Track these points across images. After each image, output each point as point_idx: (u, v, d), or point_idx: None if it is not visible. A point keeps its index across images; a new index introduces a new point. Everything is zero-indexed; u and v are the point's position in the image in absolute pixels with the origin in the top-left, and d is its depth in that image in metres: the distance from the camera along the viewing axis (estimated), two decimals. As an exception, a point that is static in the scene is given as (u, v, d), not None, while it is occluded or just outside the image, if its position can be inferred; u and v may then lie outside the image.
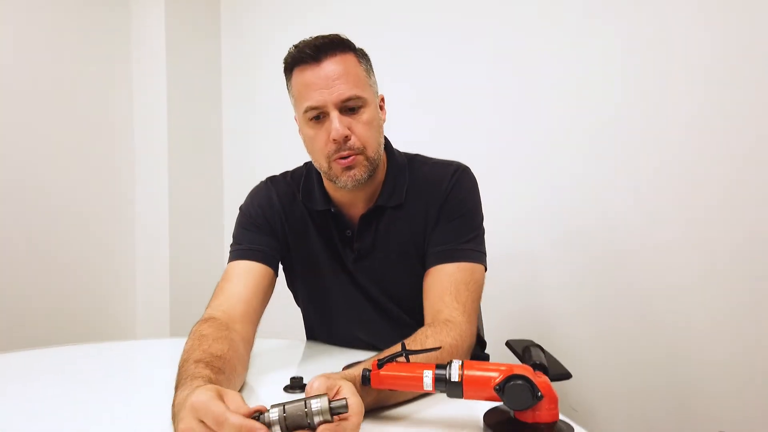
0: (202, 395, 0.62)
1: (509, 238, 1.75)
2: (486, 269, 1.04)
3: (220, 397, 0.62)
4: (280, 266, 1.14)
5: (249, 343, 0.99)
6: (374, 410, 0.77)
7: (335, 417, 0.61)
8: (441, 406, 0.82)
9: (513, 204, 1.77)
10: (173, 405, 0.69)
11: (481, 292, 1.02)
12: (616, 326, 1.60)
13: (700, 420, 1.46)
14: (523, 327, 1.74)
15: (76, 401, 0.88)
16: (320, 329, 1.25)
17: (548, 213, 1.72)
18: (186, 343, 0.87)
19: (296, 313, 1.30)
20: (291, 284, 1.24)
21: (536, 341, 1.04)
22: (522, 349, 0.98)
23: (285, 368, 1.04)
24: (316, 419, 0.60)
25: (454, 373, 0.71)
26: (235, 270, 1.06)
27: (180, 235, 2.34)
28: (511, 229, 1.75)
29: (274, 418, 0.60)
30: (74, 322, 2.15)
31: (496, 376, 0.71)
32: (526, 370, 0.72)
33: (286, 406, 0.61)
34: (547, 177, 1.72)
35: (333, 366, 1.00)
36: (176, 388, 0.74)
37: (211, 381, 0.72)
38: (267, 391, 0.92)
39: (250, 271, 1.05)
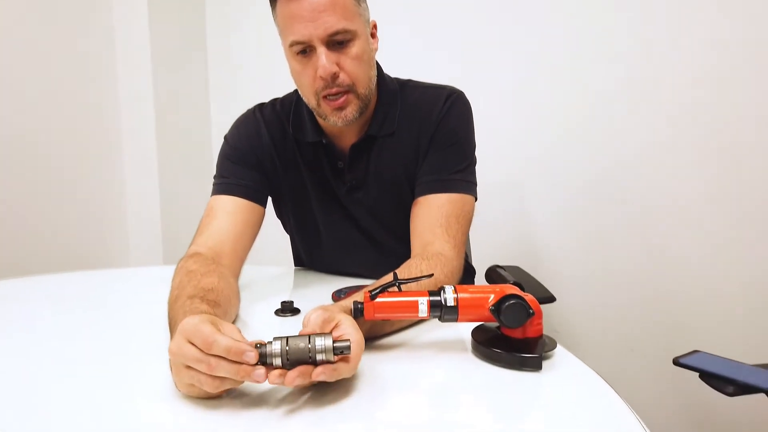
0: (193, 319, 0.60)
1: (498, 166, 1.74)
2: (476, 199, 1.03)
3: (215, 326, 0.60)
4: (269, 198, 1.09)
5: (237, 277, 0.96)
6: (366, 341, 0.77)
7: (336, 357, 0.60)
8: (430, 332, 0.84)
9: (502, 131, 1.75)
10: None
11: (470, 224, 1.01)
12: (600, 253, 1.66)
13: (680, 342, 1.55)
14: (511, 255, 1.77)
15: (70, 328, 0.88)
16: (309, 259, 1.22)
17: (538, 142, 1.72)
18: (173, 279, 0.82)
19: (283, 240, 1.26)
20: (280, 215, 1.19)
21: (523, 268, 1.07)
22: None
23: (275, 295, 1.02)
24: (319, 357, 0.59)
25: (449, 298, 0.71)
26: (221, 206, 1.00)
27: (168, 161, 2.24)
28: (499, 157, 1.74)
29: (276, 350, 0.59)
30: (67, 252, 2.06)
31: (491, 298, 0.72)
32: (516, 290, 0.74)
33: (289, 339, 0.59)
34: (539, 105, 1.70)
35: (324, 292, 1.01)
36: (171, 328, 0.69)
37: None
38: (258, 317, 0.91)
39: (238, 208, 1.00)
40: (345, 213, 1.10)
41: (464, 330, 0.79)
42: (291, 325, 0.87)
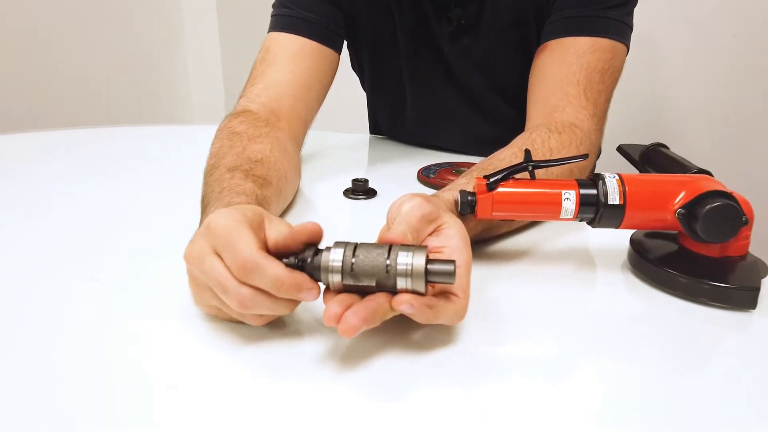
0: (224, 217, 0.38)
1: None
2: (628, 51, 0.72)
3: (257, 225, 0.38)
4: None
5: (298, 145, 0.73)
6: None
7: (428, 285, 0.37)
8: (561, 236, 0.60)
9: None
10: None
11: (616, 85, 0.70)
12: (753, 129, 1.29)
13: None
14: (637, 130, 1.41)
15: (117, 182, 0.75)
16: (391, 126, 0.97)
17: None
18: (213, 143, 0.61)
19: (359, 100, 1.01)
20: (356, 65, 0.92)
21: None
22: (642, 154, 0.72)
23: (345, 170, 0.80)
24: (400, 283, 0.36)
25: (612, 191, 0.46)
26: (280, 47, 0.74)
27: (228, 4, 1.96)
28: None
29: (335, 263, 0.36)
30: (127, 107, 1.91)
31: (680, 195, 0.45)
32: (719, 184, 0.47)
33: (358, 249, 0.37)
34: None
35: (407, 169, 0.79)
36: (203, 209, 0.49)
37: (257, 200, 0.48)
38: (321, 198, 0.70)
39: (303, 52, 0.74)
40: (443, 66, 0.82)
41: (616, 238, 0.54)
42: (364, 211, 0.65)
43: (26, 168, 0.79)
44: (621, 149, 0.82)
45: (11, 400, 0.34)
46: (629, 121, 1.43)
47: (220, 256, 0.37)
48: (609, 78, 0.68)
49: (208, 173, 0.55)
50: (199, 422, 0.32)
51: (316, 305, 0.41)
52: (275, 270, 0.35)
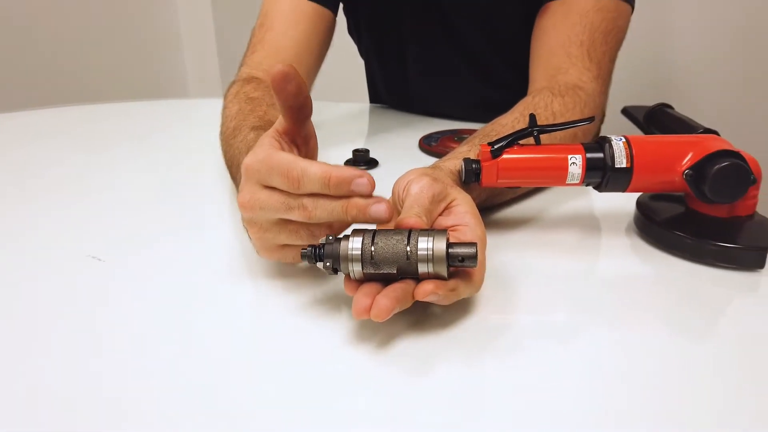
0: (256, 154, 0.39)
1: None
2: (633, 11, 0.70)
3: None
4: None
5: None
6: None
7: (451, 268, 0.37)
8: (565, 201, 0.59)
9: None
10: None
11: (620, 47, 0.69)
12: (759, 87, 1.26)
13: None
14: (644, 91, 1.37)
15: (120, 158, 0.75)
16: (390, 93, 0.95)
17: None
18: (227, 107, 0.62)
19: (356, 66, 1.00)
20: (353, 28, 0.91)
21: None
22: (648, 114, 0.70)
23: (345, 140, 0.79)
24: (421, 268, 0.36)
25: (619, 154, 0.45)
26: (278, 11, 0.74)
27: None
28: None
29: (354, 251, 0.36)
30: (119, 83, 1.89)
31: (688, 156, 0.45)
32: (727, 144, 0.46)
33: (377, 236, 0.36)
34: None
35: (408, 137, 0.78)
36: (233, 171, 0.52)
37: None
38: None
39: (301, 14, 0.74)
40: (443, 26, 0.80)
41: (622, 201, 0.54)
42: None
43: (16, 148, 0.77)
44: (626, 111, 0.80)
45: (15, 384, 0.34)
46: (634, 83, 1.41)
47: (268, 187, 0.38)
48: (613, 39, 0.67)
49: (231, 135, 0.56)
50: (217, 409, 0.33)
51: (332, 294, 0.41)
52: (319, 167, 0.35)
